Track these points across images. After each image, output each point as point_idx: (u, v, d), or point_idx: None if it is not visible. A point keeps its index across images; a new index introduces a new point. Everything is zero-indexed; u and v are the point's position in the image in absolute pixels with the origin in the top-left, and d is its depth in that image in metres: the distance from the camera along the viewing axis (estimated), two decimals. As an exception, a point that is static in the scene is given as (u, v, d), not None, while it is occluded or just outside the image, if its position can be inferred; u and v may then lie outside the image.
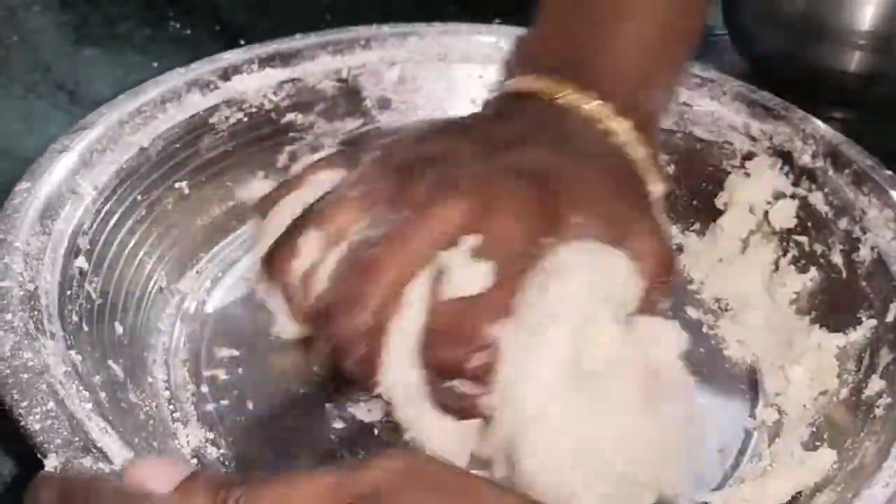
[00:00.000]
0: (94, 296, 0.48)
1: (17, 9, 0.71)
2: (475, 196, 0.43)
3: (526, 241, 0.42)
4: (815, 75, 0.58)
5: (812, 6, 0.63)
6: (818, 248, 0.55)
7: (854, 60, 0.62)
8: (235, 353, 0.51)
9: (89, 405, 0.41)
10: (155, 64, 0.67)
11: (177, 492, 0.34)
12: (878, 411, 0.48)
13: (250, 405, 0.49)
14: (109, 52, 0.69)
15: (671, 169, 0.59)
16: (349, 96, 0.60)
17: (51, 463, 0.38)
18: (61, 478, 0.37)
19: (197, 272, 0.55)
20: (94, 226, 0.50)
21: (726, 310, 0.56)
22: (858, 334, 0.51)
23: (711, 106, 0.59)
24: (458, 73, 0.62)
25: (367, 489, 0.33)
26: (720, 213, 0.58)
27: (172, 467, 0.35)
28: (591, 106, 0.47)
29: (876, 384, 0.49)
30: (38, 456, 0.39)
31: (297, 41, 0.60)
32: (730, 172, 0.58)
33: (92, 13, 0.72)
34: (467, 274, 0.41)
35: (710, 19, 0.72)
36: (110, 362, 0.47)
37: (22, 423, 0.40)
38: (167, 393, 0.49)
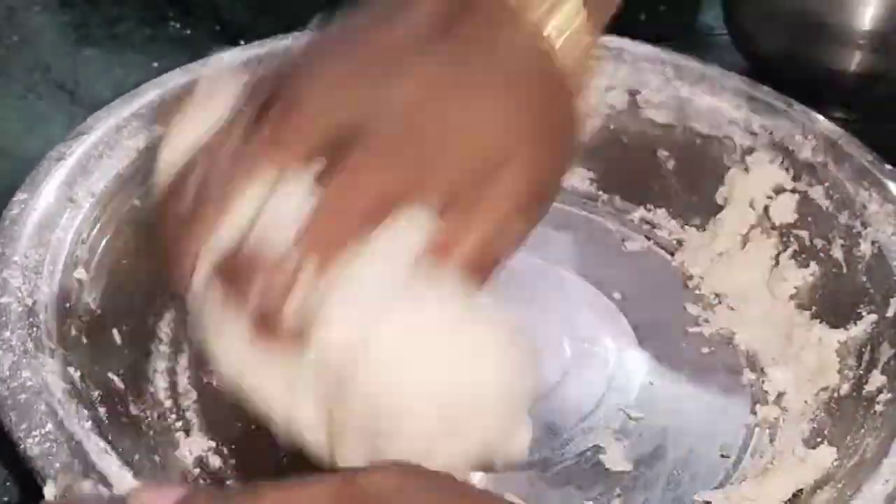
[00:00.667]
0: (93, 306, 0.49)
1: (17, 9, 0.70)
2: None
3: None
4: (815, 75, 0.58)
5: (812, 6, 0.63)
6: (818, 243, 0.55)
7: (855, 60, 0.61)
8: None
9: (89, 424, 0.42)
10: (155, 64, 0.67)
11: None
12: (879, 407, 0.48)
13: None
14: (109, 52, 0.68)
15: (671, 164, 0.59)
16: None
17: (49, 490, 0.39)
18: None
19: (196, 277, 0.55)
20: (93, 234, 0.50)
21: (727, 305, 0.56)
22: (859, 329, 0.51)
23: (712, 101, 0.58)
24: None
25: (366, 493, 0.33)
26: (720, 208, 0.58)
27: (174, 490, 0.35)
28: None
29: (877, 380, 0.49)
30: (38, 481, 0.39)
31: (287, 40, 0.59)
32: (730, 167, 0.58)
33: (92, 13, 0.71)
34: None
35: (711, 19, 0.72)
36: (110, 374, 0.47)
37: (21, 447, 0.40)
38: (169, 402, 0.49)
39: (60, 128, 0.61)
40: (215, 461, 0.47)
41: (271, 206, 0.39)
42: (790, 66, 0.58)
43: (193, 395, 0.50)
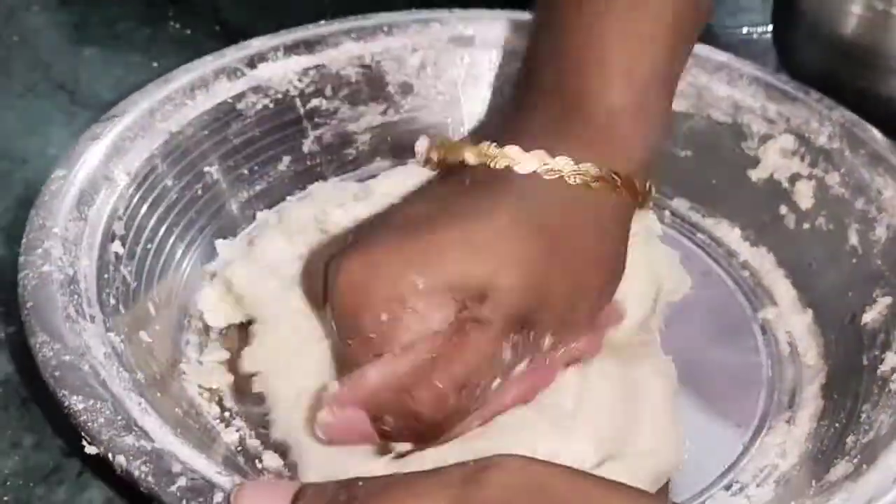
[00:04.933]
0: (129, 279, 0.50)
1: (17, 9, 0.71)
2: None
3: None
4: (860, 100, 0.58)
5: (861, 30, 0.63)
6: (834, 228, 0.56)
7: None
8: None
9: (129, 385, 0.43)
10: (155, 64, 0.67)
11: None
12: (893, 386, 0.49)
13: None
14: (109, 52, 0.69)
15: (688, 152, 0.60)
16: (372, 82, 0.61)
17: (92, 450, 0.40)
18: None
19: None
20: (128, 211, 0.51)
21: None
22: (874, 312, 0.52)
23: (728, 89, 0.60)
24: (479, 58, 0.62)
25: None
26: (738, 194, 0.59)
27: (279, 488, 0.36)
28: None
29: (891, 360, 0.50)
30: (83, 440, 0.40)
31: (321, 28, 0.61)
32: (748, 154, 0.59)
33: (92, 13, 0.71)
34: None
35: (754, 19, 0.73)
36: (146, 343, 0.48)
37: (66, 404, 0.41)
38: (197, 375, 0.50)
39: (60, 128, 0.62)
40: (252, 443, 0.48)
41: None
42: (834, 88, 0.58)
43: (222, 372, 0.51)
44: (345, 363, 0.44)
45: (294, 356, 0.48)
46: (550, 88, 0.48)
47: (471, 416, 0.43)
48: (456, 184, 0.47)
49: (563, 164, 0.45)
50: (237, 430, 0.48)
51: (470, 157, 0.47)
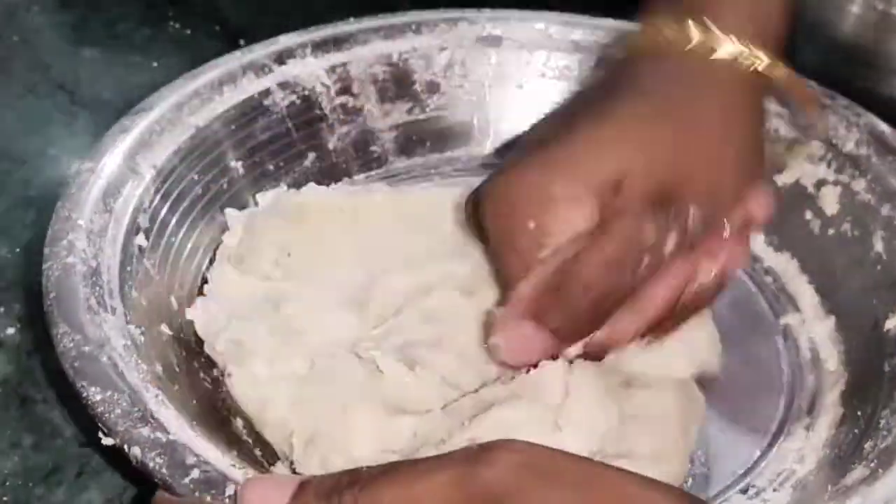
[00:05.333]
0: (151, 272, 0.50)
1: (17, 9, 0.71)
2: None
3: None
4: (860, 100, 0.57)
5: (861, 30, 0.63)
6: (859, 234, 0.55)
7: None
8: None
9: (147, 377, 0.43)
10: (155, 64, 0.68)
11: None
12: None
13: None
14: (109, 52, 0.69)
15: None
16: (399, 80, 0.61)
17: (108, 441, 0.40)
18: (176, 500, 0.38)
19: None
20: (153, 204, 0.52)
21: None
22: (896, 320, 0.52)
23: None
24: (506, 58, 0.63)
25: (491, 489, 0.32)
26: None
27: (283, 483, 0.36)
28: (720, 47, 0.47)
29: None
30: (100, 430, 0.41)
31: (350, 25, 0.61)
32: (775, 159, 0.59)
33: (92, 13, 0.72)
34: None
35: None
36: (166, 336, 0.49)
37: (84, 395, 0.42)
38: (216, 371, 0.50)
39: (60, 128, 0.63)
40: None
41: None
42: (834, 88, 0.58)
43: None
44: (507, 283, 0.46)
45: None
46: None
47: (630, 309, 0.44)
48: (598, 84, 0.49)
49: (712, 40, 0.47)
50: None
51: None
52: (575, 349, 0.45)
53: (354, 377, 0.46)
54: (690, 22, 0.47)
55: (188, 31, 0.72)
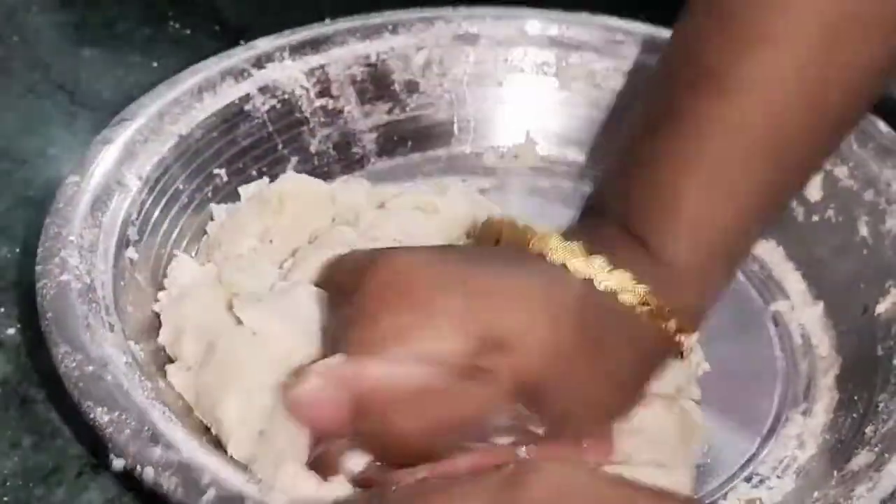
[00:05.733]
0: (143, 285, 0.50)
1: (17, 9, 0.70)
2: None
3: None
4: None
5: None
6: (843, 220, 0.56)
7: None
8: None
9: (152, 393, 0.43)
10: (155, 64, 0.67)
11: None
12: (909, 376, 0.49)
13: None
14: (109, 52, 0.68)
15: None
16: (378, 81, 0.61)
17: (118, 464, 0.40)
18: None
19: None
20: (141, 215, 0.51)
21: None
22: (887, 303, 0.53)
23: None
24: (484, 55, 0.62)
25: None
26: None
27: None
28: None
29: (906, 350, 0.50)
30: (109, 452, 0.40)
31: (326, 27, 0.61)
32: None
33: (92, 13, 0.71)
34: None
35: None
36: (162, 350, 0.48)
37: (91, 416, 0.41)
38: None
39: (60, 128, 0.62)
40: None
41: None
42: None
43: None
44: (352, 346, 0.41)
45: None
46: (618, 221, 0.46)
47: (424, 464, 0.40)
48: (515, 251, 0.45)
49: (621, 280, 0.43)
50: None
51: (536, 245, 0.44)
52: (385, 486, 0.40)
53: None
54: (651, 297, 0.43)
55: (188, 31, 0.71)
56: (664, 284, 0.43)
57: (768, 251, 0.58)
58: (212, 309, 0.47)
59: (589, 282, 0.43)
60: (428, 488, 0.35)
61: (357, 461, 0.40)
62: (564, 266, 0.43)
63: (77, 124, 0.62)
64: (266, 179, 0.57)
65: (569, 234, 0.44)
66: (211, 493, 0.39)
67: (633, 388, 0.44)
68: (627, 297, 0.43)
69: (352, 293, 0.42)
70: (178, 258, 0.52)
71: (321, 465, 0.40)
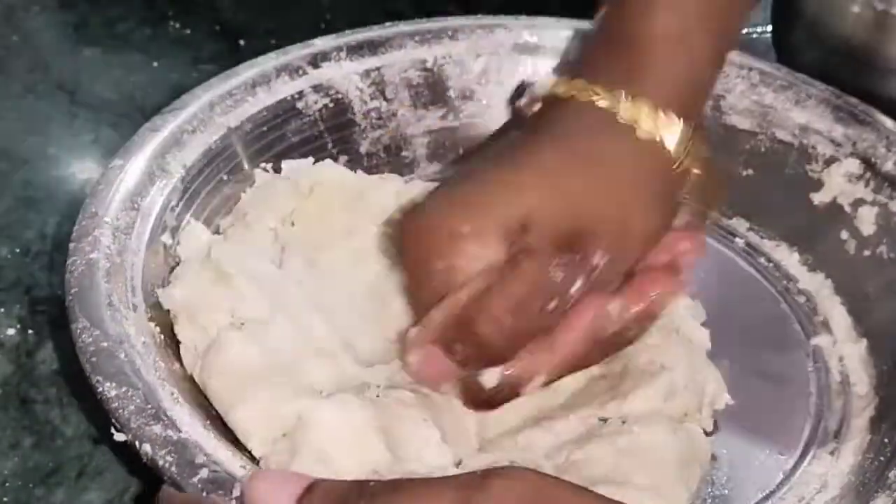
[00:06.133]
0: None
1: (17, 9, 0.71)
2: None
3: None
4: (860, 100, 0.57)
5: (861, 30, 0.62)
6: (895, 256, 0.54)
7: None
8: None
9: (164, 374, 0.43)
10: (155, 64, 0.68)
11: None
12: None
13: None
14: (109, 52, 0.69)
15: (750, 171, 0.59)
16: (433, 86, 0.61)
17: (121, 437, 0.40)
18: (180, 496, 0.39)
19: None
20: (182, 203, 0.52)
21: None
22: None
23: (795, 109, 0.58)
24: (541, 66, 0.62)
25: None
26: (800, 216, 0.58)
27: (290, 480, 0.36)
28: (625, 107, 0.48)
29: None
30: (112, 426, 0.41)
31: (385, 29, 0.61)
32: (811, 177, 0.58)
33: (92, 13, 0.72)
34: None
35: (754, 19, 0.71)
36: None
37: (99, 390, 0.42)
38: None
39: (60, 128, 0.63)
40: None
41: None
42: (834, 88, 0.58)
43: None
44: (419, 311, 0.47)
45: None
46: (605, 27, 0.52)
47: (540, 349, 0.45)
48: (511, 134, 0.50)
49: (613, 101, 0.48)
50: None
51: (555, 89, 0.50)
52: (531, 386, 0.46)
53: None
54: (623, 93, 0.48)
55: (188, 31, 0.71)
56: (644, 72, 0.49)
57: (816, 284, 0.57)
58: (202, 290, 0.48)
59: (584, 107, 0.48)
60: (402, 483, 0.35)
61: (490, 377, 0.45)
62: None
63: (77, 124, 0.63)
64: (311, 159, 0.57)
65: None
66: (203, 473, 0.39)
67: (658, 199, 0.48)
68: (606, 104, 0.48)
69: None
70: (190, 225, 0.52)
71: (471, 400, 0.46)
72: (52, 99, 0.65)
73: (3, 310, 0.52)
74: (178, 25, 0.71)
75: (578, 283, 0.45)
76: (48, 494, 0.45)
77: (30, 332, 0.51)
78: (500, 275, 0.44)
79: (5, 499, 0.45)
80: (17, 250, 0.55)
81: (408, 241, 0.47)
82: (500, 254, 0.45)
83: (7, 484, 0.45)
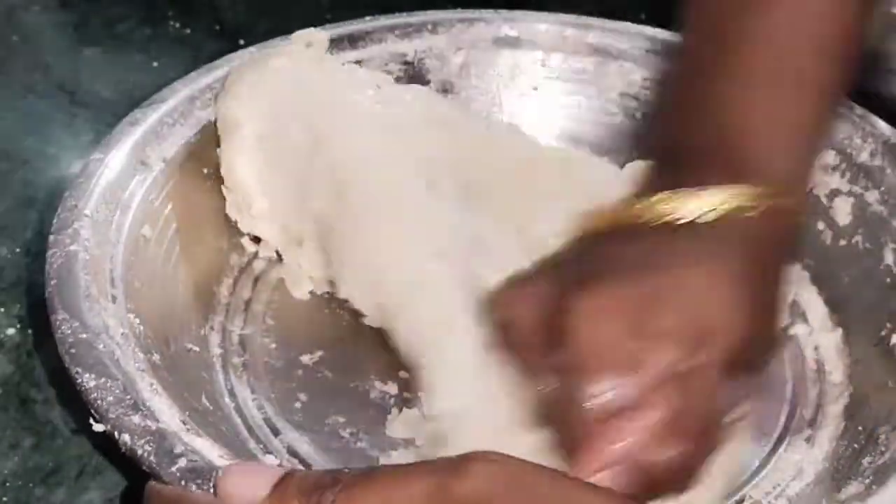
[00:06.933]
0: (156, 263, 0.51)
1: (17, 9, 0.71)
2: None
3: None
4: (860, 100, 0.57)
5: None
6: (870, 246, 0.55)
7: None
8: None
9: (143, 366, 0.44)
10: (155, 64, 0.68)
11: (269, 499, 0.35)
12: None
13: (298, 353, 0.52)
14: (109, 52, 0.69)
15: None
16: (414, 80, 0.61)
17: (99, 427, 0.41)
18: (166, 490, 0.39)
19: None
20: (161, 196, 0.52)
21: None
22: (909, 331, 0.51)
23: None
24: (522, 59, 0.62)
25: (467, 499, 0.32)
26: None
27: (263, 473, 0.36)
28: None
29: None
30: (91, 417, 0.41)
31: (365, 24, 0.61)
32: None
33: (92, 13, 0.72)
34: None
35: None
36: (167, 327, 0.49)
37: (78, 381, 0.42)
38: (219, 360, 0.51)
39: (60, 128, 0.63)
40: (257, 414, 0.49)
41: None
42: None
43: (244, 354, 0.52)
44: (554, 400, 0.43)
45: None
46: (711, 149, 0.47)
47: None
48: (648, 234, 0.45)
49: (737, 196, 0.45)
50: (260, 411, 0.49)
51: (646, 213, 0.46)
52: None
53: None
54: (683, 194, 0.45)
55: (188, 31, 0.72)
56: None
57: (793, 273, 0.57)
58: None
59: (733, 225, 0.44)
60: (377, 469, 0.35)
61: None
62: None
63: (77, 124, 0.64)
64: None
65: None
66: (182, 462, 0.39)
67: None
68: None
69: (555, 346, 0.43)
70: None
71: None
72: (52, 99, 0.65)
73: (3, 310, 0.53)
74: (178, 25, 0.72)
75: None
76: (48, 494, 0.45)
77: (30, 332, 0.52)
78: (672, 397, 0.41)
79: (5, 499, 0.45)
80: (17, 250, 0.55)
81: (583, 326, 0.43)
82: (671, 363, 0.41)
83: (7, 484, 0.46)
